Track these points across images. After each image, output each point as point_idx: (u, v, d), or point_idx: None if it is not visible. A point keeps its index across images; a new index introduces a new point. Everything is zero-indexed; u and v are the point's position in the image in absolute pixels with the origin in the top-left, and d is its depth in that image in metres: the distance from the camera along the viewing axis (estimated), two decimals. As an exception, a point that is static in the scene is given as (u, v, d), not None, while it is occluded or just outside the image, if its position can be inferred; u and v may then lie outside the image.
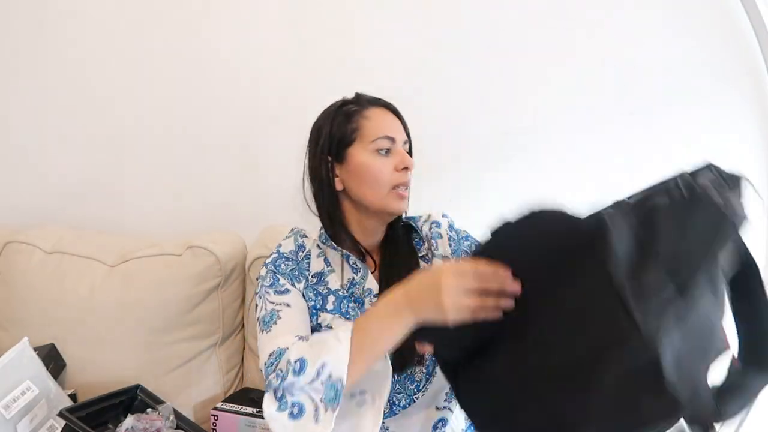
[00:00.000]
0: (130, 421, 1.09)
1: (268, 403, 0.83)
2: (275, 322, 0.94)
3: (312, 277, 1.04)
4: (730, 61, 1.49)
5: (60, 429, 1.12)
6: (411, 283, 0.82)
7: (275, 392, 0.83)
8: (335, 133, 1.01)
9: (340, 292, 1.02)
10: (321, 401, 0.80)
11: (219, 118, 1.58)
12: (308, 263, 1.05)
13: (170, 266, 1.35)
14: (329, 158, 1.01)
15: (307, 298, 1.01)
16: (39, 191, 1.63)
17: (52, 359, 1.28)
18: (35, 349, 1.21)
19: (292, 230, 1.13)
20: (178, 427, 1.17)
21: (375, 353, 0.82)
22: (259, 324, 0.97)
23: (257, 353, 0.98)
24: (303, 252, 1.06)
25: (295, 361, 0.82)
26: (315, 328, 1.00)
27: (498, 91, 1.53)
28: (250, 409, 1.20)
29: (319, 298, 1.02)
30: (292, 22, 1.53)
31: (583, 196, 1.61)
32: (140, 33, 1.56)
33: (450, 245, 1.11)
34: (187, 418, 1.21)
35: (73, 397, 1.27)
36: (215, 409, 1.20)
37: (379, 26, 1.52)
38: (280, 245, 1.08)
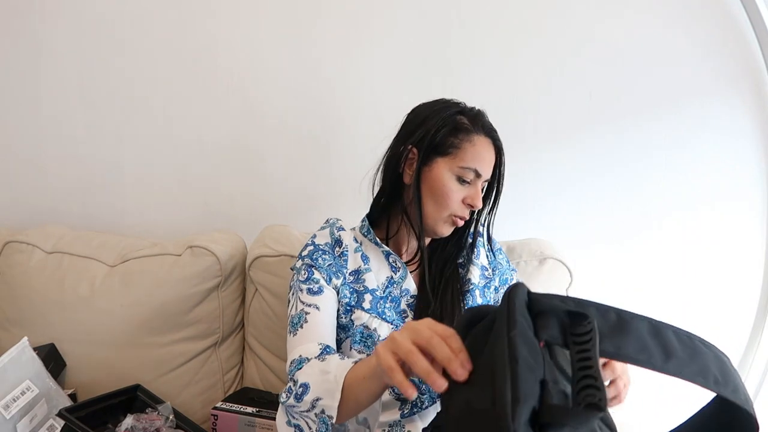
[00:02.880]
0: (129, 420, 1.09)
1: (281, 415, 0.88)
2: (302, 326, 0.95)
3: (350, 274, 1.03)
4: (730, 61, 1.49)
5: (60, 429, 1.12)
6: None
7: (287, 410, 0.87)
8: (435, 137, 0.99)
9: (377, 292, 1.02)
10: (315, 431, 0.83)
11: (219, 118, 1.58)
12: (345, 260, 1.04)
13: (170, 266, 1.35)
14: (415, 151, 1.00)
15: (341, 295, 1.01)
16: (39, 191, 1.64)
17: (52, 359, 1.28)
18: (35, 349, 1.21)
19: (327, 221, 1.12)
20: (177, 427, 1.17)
21: (360, 405, 0.80)
22: (289, 323, 0.98)
23: (283, 353, 1.01)
24: (340, 247, 1.05)
25: (301, 386, 0.84)
26: (347, 326, 1.00)
27: (498, 91, 1.53)
28: (249, 409, 1.20)
29: (355, 295, 1.02)
30: (293, 23, 1.53)
31: (581, 197, 1.63)
32: (140, 33, 1.56)
33: (487, 256, 1.13)
34: (187, 417, 1.21)
35: (73, 396, 1.27)
36: (215, 408, 1.20)
37: (379, 27, 1.52)
38: (314, 236, 1.08)
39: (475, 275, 1.08)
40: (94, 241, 1.43)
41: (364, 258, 1.05)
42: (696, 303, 1.57)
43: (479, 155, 0.98)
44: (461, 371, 0.55)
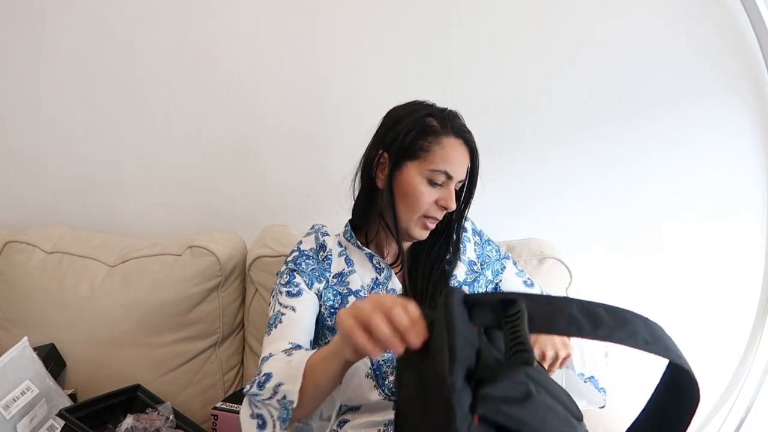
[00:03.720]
0: (129, 420, 1.09)
1: (244, 408, 0.87)
2: (276, 326, 0.96)
3: (333, 277, 1.04)
4: (730, 62, 1.49)
5: (60, 429, 1.12)
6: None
7: (250, 401, 0.86)
8: (405, 140, 0.98)
9: (361, 293, 1.02)
10: (277, 418, 0.82)
11: (219, 118, 1.58)
12: (329, 264, 1.05)
13: (170, 266, 1.35)
14: (386, 155, 1.00)
15: (325, 299, 1.02)
16: (39, 191, 1.64)
17: (52, 359, 1.28)
18: (35, 349, 1.22)
19: (313, 227, 1.13)
20: (177, 427, 1.17)
21: (320, 389, 0.81)
22: (267, 325, 0.98)
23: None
24: (324, 252, 1.06)
25: (264, 375, 0.85)
26: (333, 327, 1.00)
27: (498, 91, 1.53)
28: (249, 409, 1.19)
29: (339, 297, 1.02)
30: (293, 23, 1.53)
31: (581, 196, 1.63)
32: (140, 33, 1.56)
33: (475, 249, 1.13)
34: (187, 417, 1.21)
35: (73, 397, 1.27)
36: (215, 408, 1.20)
37: (379, 27, 1.52)
38: (300, 242, 1.08)
39: (460, 272, 1.08)
40: (94, 241, 1.43)
41: (348, 261, 1.05)
42: (696, 303, 1.57)
43: (449, 157, 0.97)
44: (416, 339, 0.59)
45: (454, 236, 1.09)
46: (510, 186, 1.56)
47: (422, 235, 1.02)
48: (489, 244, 1.17)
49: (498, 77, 1.52)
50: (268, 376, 0.84)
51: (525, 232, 1.48)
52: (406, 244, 1.07)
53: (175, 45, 1.56)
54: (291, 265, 1.03)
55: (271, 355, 0.90)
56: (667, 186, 1.54)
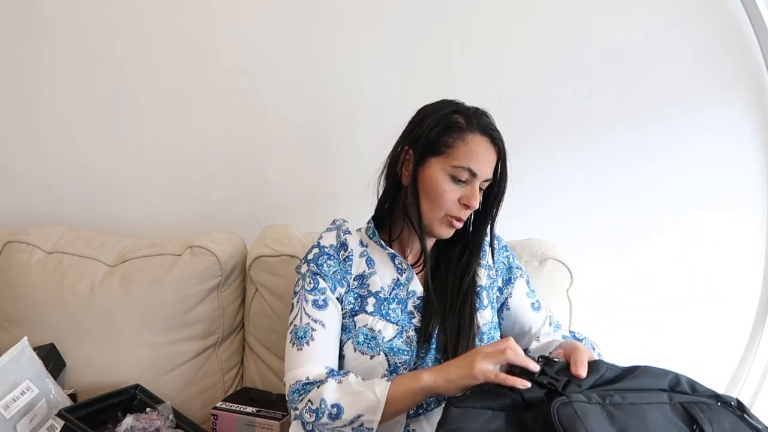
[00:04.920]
0: (129, 420, 1.09)
1: (296, 428, 0.94)
2: (307, 343, 0.97)
3: (354, 279, 1.03)
4: (730, 62, 1.48)
5: (60, 429, 1.12)
6: (447, 368, 0.89)
7: (304, 425, 0.93)
8: (429, 136, 0.98)
9: (381, 294, 1.02)
10: None
11: (219, 118, 1.58)
12: (350, 265, 1.04)
13: (170, 266, 1.35)
14: (411, 152, 1.00)
15: (346, 302, 1.02)
16: (39, 191, 1.64)
17: (52, 359, 1.28)
18: (35, 349, 1.22)
19: (334, 222, 1.11)
20: (177, 427, 1.17)
21: (397, 413, 0.92)
22: (292, 332, 1.00)
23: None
24: (345, 251, 1.04)
25: (332, 406, 0.89)
26: (349, 327, 1.01)
27: (497, 92, 1.53)
28: (249, 409, 1.20)
29: (359, 300, 1.02)
30: (294, 24, 1.53)
31: (581, 197, 1.63)
32: (141, 33, 1.56)
33: (493, 255, 1.12)
34: (187, 417, 1.21)
35: (73, 396, 1.27)
36: (215, 408, 1.20)
37: (380, 28, 1.52)
38: (321, 237, 1.07)
39: (482, 277, 1.08)
40: (94, 241, 1.43)
41: (369, 262, 1.05)
42: (696, 303, 1.57)
43: (473, 154, 0.96)
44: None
45: (485, 241, 1.07)
46: (510, 186, 1.56)
47: (447, 233, 1.02)
48: (506, 250, 1.16)
49: (498, 78, 1.52)
50: (339, 408, 0.90)
51: (525, 232, 1.48)
52: (430, 243, 1.06)
53: (176, 45, 1.56)
54: (313, 267, 1.02)
55: (312, 382, 0.94)
56: (668, 186, 1.54)
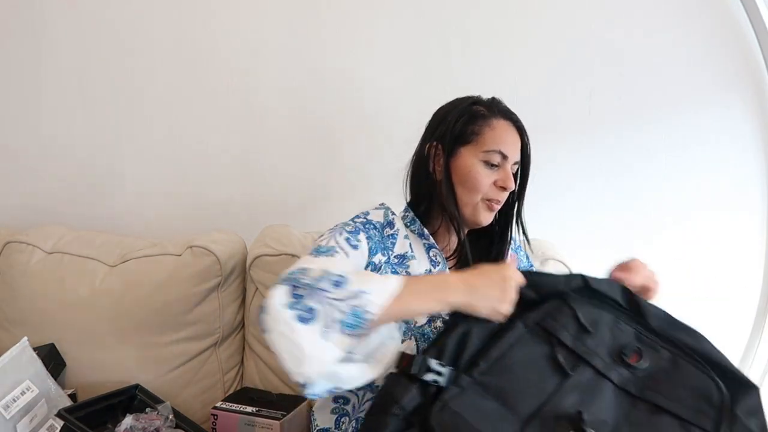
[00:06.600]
0: (129, 420, 1.09)
1: (280, 294, 0.75)
2: (326, 255, 0.88)
3: (395, 257, 1.02)
4: (730, 62, 1.49)
5: (60, 429, 1.12)
6: (473, 273, 0.84)
7: (296, 288, 0.75)
8: (455, 128, 1.02)
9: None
10: (338, 322, 0.74)
11: (219, 118, 1.58)
12: (393, 243, 1.03)
13: (170, 266, 1.35)
14: (440, 147, 1.03)
15: (383, 272, 0.98)
16: (39, 191, 1.64)
17: (52, 359, 1.28)
18: (35, 349, 1.21)
19: (382, 204, 1.10)
20: (177, 427, 1.16)
21: (407, 311, 0.81)
22: (314, 248, 0.91)
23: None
24: (391, 229, 1.04)
25: (338, 275, 0.77)
26: None
27: (497, 92, 1.52)
28: (249, 409, 1.20)
29: None
30: (294, 24, 1.53)
31: (582, 197, 1.62)
32: (141, 33, 1.56)
33: (526, 256, 1.16)
34: (187, 417, 1.21)
35: (73, 397, 1.27)
36: (215, 408, 1.20)
37: (380, 27, 1.52)
38: (368, 213, 1.05)
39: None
40: (94, 241, 1.43)
41: (411, 246, 1.05)
42: (696, 303, 1.56)
43: (500, 137, 1.01)
44: None
45: (513, 222, 1.10)
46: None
47: (487, 217, 1.04)
48: (521, 250, 1.19)
49: (498, 78, 1.52)
50: (345, 279, 0.76)
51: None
52: (454, 242, 1.07)
53: (175, 45, 1.56)
54: (360, 224, 0.99)
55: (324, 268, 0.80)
56: (668, 186, 1.54)
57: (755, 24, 1.44)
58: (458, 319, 0.82)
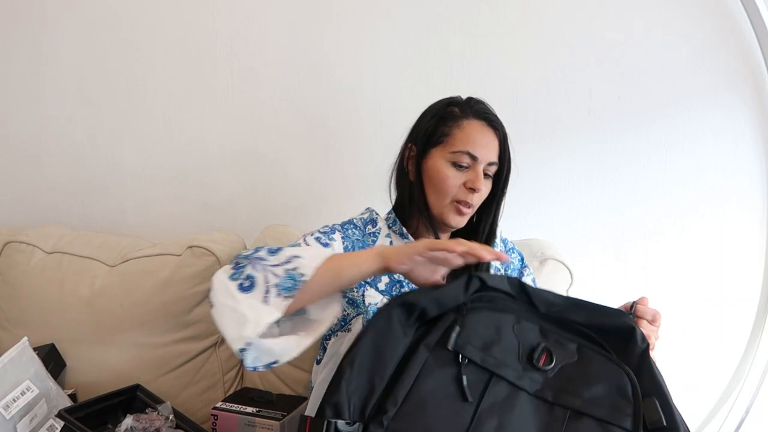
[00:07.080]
0: (129, 420, 1.09)
1: (224, 270, 0.83)
2: (288, 246, 0.91)
3: None
4: (730, 62, 1.48)
5: (60, 429, 1.12)
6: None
7: (237, 262, 0.83)
8: (428, 129, 1.02)
9: (395, 276, 1.02)
10: (275, 286, 0.79)
11: (219, 118, 1.58)
12: (374, 240, 1.05)
13: (170, 266, 1.35)
14: (414, 147, 1.03)
15: None
16: (39, 191, 1.64)
17: (52, 359, 1.28)
18: (35, 349, 1.21)
19: (367, 209, 1.13)
20: (177, 427, 1.16)
21: (340, 273, 0.83)
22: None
23: None
24: (373, 227, 1.07)
25: (274, 247, 0.85)
26: (357, 301, 0.99)
27: (497, 92, 1.53)
28: (249, 409, 1.20)
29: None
30: (294, 22, 1.53)
31: (581, 197, 1.63)
32: (141, 32, 1.56)
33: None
34: (187, 417, 1.21)
35: (73, 397, 1.27)
36: (215, 408, 1.20)
37: (381, 27, 1.52)
38: (352, 219, 1.09)
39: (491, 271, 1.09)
40: (94, 241, 1.43)
41: (392, 245, 1.05)
42: (696, 303, 1.57)
43: (469, 138, 1.00)
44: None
45: (491, 229, 1.09)
46: (510, 186, 1.56)
47: (458, 221, 1.02)
48: (514, 252, 1.18)
49: (497, 78, 1.52)
50: (280, 248, 0.84)
51: (525, 232, 1.48)
52: (444, 237, 1.07)
53: (176, 44, 1.56)
54: (338, 225, 1.04)
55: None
56: (668, 186, 1.54)
57: (755, 24, 1.44)
58: (344, 363, 0.73)
